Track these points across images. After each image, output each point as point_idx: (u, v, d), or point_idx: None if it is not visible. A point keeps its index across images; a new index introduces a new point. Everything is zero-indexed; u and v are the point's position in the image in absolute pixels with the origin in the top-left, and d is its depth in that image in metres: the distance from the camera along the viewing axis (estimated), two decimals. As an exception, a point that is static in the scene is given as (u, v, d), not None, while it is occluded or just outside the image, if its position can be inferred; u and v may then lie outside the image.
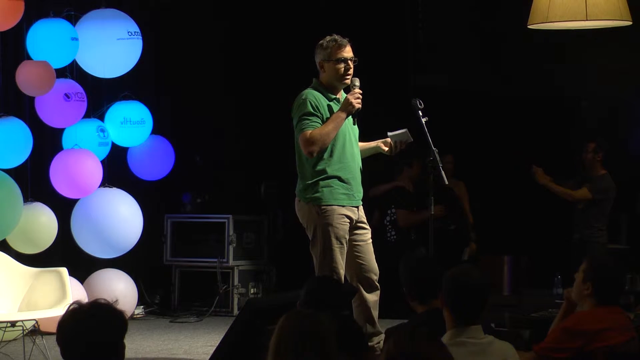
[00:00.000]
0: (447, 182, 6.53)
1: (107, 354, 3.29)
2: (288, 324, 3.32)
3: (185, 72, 9.98)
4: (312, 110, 6.31)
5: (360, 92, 6.37)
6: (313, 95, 6.37)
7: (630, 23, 6.55)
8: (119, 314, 3.34)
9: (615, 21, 6.54)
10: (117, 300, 3.44)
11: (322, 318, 3.34)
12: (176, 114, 9.99)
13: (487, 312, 4.28)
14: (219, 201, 10.06)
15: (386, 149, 6.59)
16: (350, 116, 6.39)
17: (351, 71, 6.40)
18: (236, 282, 9.73)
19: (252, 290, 9.84)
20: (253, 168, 10.22)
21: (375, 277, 6.48)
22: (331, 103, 6.41)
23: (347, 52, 6.41)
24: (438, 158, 6.37)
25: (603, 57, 9.81)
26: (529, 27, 6.68)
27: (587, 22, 6.47)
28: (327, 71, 6.42)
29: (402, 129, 6.52)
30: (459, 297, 4.17)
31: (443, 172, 6.38)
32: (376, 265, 6.51)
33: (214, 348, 6.02)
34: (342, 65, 6.39)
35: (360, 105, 6.36)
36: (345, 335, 3.70)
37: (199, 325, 9.09)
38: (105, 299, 3.37)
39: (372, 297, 6.46)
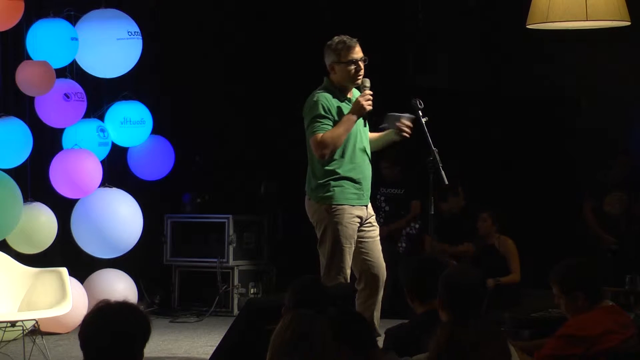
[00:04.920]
0: (447, 182, 6.48)
1: (125, 354, 3.26)
2: (285, 324, 3.33)
3: (185, 72, 9.97)
4: (323, 113, 6.31)
5: (371, 93, 6.36)
6: (325, 97, 6.36)
7: (629, 23, 6.56)
8: (145, 318, 3.33)
9: (614, 21, 6.54)
10: (142, 306, 3.45)
11: (319, 319, 3.34)
12: (176, 114, 9.98)
13: (487, 312, 4.27)
14: (219, 201, 10.06)
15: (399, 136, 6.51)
16: (361, 118, 6.40)
17: (362, 71, 6.41)
18: (236, 282, 9.72)
19: (252, 290, 9.83)
20: (253, 168, 10.22)
21: (382, 276, 6.43)
22: (343, 104, 6.41)
23: (357, 52, 6.40)
24: (438, 158, 6.35)
25: (603, 57, 9.80)
26: (527, 27, 6.68)
27: (587, 22, 6.47)
28: (337, 73, 6.42)
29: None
30: (454, 297, 4.16)
31: (443, 173, 6.35)
32: (383, 262, 6.46)
33: (214, 348, 6.02)
34: (352, 67, 6.38)
35: (371, 107, 6.35)
36: (352, 332, 3.69)
37: (199, 325, 9.09)
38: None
39: (376, 296, 6.44)
